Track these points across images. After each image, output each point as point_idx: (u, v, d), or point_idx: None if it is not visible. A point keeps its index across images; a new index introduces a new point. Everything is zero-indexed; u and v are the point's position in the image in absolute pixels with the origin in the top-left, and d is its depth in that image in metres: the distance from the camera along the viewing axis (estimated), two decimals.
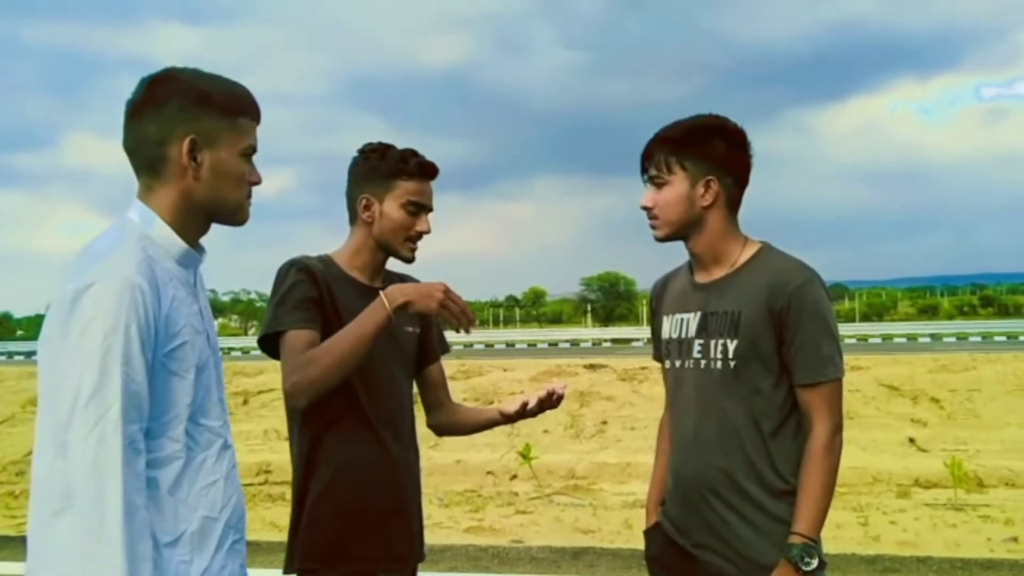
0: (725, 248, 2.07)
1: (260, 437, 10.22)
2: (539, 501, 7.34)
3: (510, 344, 38.43)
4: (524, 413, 2.26)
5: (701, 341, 2.05)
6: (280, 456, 8.58)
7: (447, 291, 1.97)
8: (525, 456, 7.88)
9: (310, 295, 2.07)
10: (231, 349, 33.95)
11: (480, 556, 5.65)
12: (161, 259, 1.50)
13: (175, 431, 1.48)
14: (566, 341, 40.58)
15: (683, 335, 2.10)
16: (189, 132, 1.52)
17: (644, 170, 2.10)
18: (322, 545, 2.10)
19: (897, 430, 9.60)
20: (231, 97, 1.58)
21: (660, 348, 2.23)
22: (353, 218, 2.25)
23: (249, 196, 1.64)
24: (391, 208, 2.19)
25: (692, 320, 2.09)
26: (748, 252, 2.07)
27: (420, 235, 2.22)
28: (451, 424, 2.46)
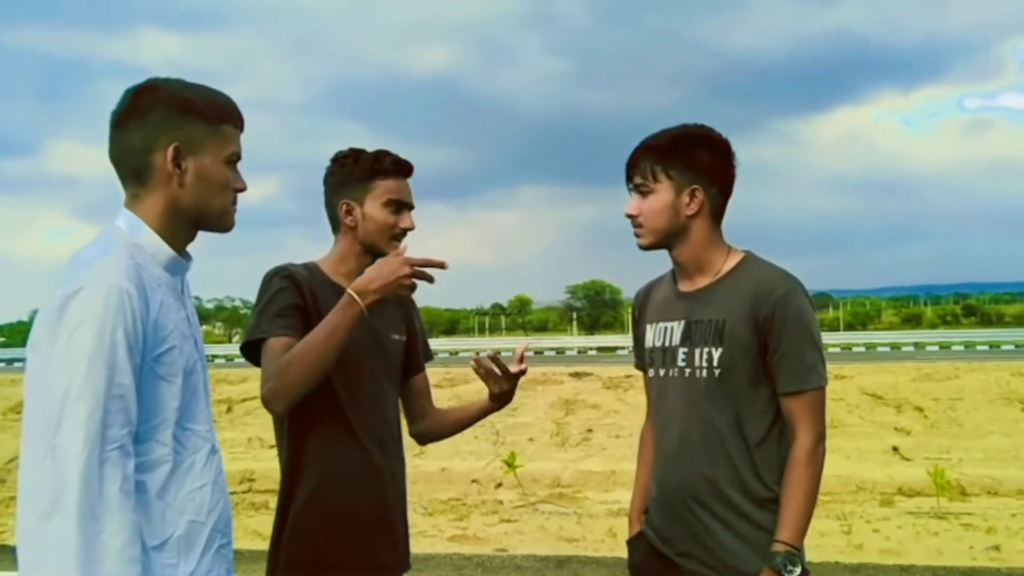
0: (709, 257, 2.09)
1: (244, 445, 10.15)
2: (524, 509, 7.33)
3: (495, 352, 38.17)
4: (505, 392, 2.32)
5: (685, 349, 2.06)
6: (263, 464, 8.53)
7: (407, 261, 1.93)
8: (510, 464, 7.87)
9: (293, 302, 2.06)
10: (215, 356, 33.66)
11: (464, 565, 5.64)
12: (149, 266, 1.51)
13: (163, 435, 1.48)
14: (552, 349, 40.50)
15: (667, 343, 2.11)
16: (173, 139, 1.54)
17: (629, 178, 2.11)
18: (306, 553, 2.08)
19: (880, 439, 9.63)
20: (214, 105, 1.60)
21: (643, 356, 2.23)
22: (336, 226, 2.24)
23: (234, 203, 1.65)
24: (372, 209, 2.18)
25: (676, 329, 2.10)
26: (732, 261, 2.09)
27: (404, 232, 2.22)
28: (438, 427, 2.45)
